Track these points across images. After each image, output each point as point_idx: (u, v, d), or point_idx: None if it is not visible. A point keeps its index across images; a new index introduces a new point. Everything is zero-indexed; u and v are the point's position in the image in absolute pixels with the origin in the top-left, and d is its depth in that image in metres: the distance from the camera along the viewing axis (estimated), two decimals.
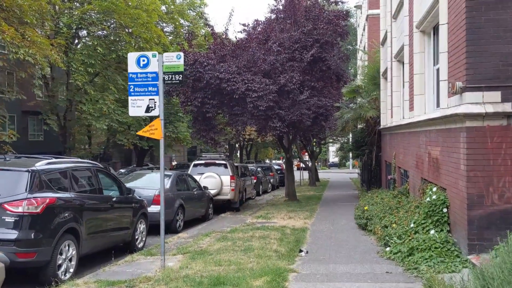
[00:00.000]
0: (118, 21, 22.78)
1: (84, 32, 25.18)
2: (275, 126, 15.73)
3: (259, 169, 25.60)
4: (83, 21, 23.20)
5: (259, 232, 10.42)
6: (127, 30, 23.66)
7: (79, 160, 9.62)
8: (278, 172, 30.47)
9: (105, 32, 24.39)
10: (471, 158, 6.60)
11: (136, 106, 7.65)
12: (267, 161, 58.75)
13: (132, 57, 7.73)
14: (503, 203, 6.51)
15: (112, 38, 24.57)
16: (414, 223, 8.11)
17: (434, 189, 8.18)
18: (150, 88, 7.57)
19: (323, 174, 43.18)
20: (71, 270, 7.04)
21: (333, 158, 75.09)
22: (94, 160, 22.57)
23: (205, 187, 14.20)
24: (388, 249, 7.91)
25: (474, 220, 6.57)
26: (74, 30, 23.77)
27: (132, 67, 7.66)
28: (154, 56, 7.61)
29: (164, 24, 29.25)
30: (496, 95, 6.57)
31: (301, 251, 8.36)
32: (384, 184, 18.50)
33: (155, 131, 7.50)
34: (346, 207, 16.15)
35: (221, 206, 16.04)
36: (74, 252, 7.07)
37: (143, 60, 7.61)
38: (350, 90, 20.05)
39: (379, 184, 20.04)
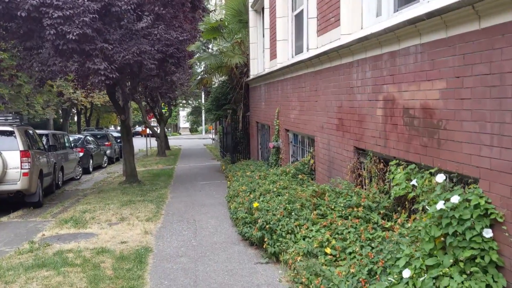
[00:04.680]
0: None
1: None
2: (98, 69, 9.74)
3: (89, 137, 18.92)
4: None
5: (41, 279, 4.77)
6: None
7: None
8: (118, 141, 23.76)
9: None
10: None
11: None
12: (112, 127, 50.57)
13: None
14: None
15: None
16: (408, 266, 3.37)
17: (440, 178, 3.52)
18: None
19: (174, 141, 37.57)
20: None
21: (184, 123, 69.32)
22: None
23: None
24: None
25: None
26: None
27: None
28: None
29: None
30: None
31: None
32: (255, 153, 13.99)
33: None
34: (211, 189, 11.17)
35: (9, 201, 9.68)
36: None
37: None
38: (209, 28, 14.75)
39: (247, 153, 15.54)
